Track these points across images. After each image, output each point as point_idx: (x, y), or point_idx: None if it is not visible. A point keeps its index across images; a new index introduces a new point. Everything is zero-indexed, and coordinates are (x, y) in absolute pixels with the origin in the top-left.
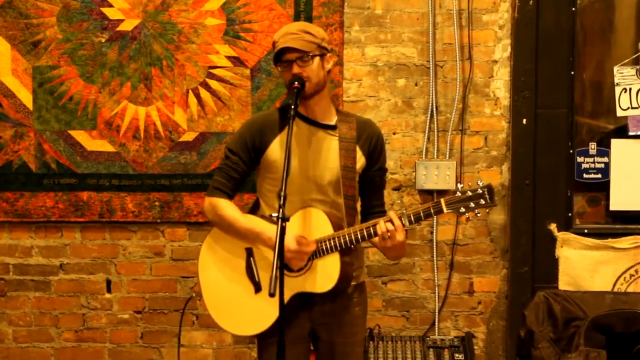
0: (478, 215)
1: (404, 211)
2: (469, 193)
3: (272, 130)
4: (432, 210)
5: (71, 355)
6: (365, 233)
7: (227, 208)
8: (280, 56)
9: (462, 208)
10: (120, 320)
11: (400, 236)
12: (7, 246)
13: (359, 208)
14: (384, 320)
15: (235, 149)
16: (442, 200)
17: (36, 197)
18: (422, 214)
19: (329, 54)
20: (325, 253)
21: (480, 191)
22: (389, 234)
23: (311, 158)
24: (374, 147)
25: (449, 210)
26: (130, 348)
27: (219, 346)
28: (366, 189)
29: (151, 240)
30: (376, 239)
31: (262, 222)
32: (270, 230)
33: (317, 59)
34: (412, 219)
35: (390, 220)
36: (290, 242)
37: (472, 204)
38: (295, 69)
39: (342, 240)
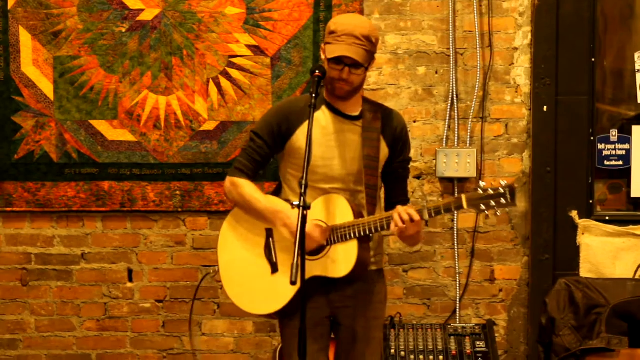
0: (498, 214)
1: (425, 204)
2: (491, 192)
3: (299, 117)
4: (452, 206)
5: (93, 344)
6: (385, 223)
7: (247, 187)
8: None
9: (482, 205)
10: (141, 310)
11: (417, 228)
12: (29, 236)
13: (382, 196)
14: (405, 308)
15: (260, 133)
16: (464, 197)
17: (58, 187)
18: (442, 208)
19: (374, 59)
20: (345, 239)
21: (502, 191)
22: (405, 226)
23: (335, 148)
24: (398, 138)
25: (469, 207)
26: (152, 337)
27: (241, 335)
28: (390, 179)
29: (172, 229)
30: (394, 228)
31: (282, 202)
32: (288, 210)
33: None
34: (433, 213)
35: (409, 215)
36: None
37: (492, 202)
38: (345, 75)
39: (361, 228)
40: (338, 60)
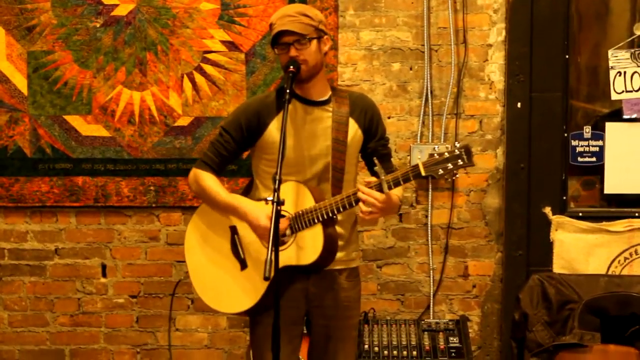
0: (456, 176)
1: (383, 177)
2: (446, 154)
3: (269, 112)
4: (410, 175)
5: (67, 339)
6: (346, 202)
7: (209, 180)
8: (278, 39)
9: (440, 170)
10: (115, 305)
11: (381, 205)
12: (2, 231)
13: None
14: (378, 303)
15: (228, 129)
16: (420, 164)
17: (31, 182)
18: (400, 179)
19: (326, 37)
20: (308, 225)
21: (457, 152)
22: (369, 209)
23: (307, 137)
24: (370, 120)
25: (427, 174)
26: (125, 332)
27: (214, 330)
28: (374, 161)
29: (146, 224)
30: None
31: (242, 198)
32: (247, 205)
33: (314, 42)
34: (392, 184)
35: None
36: (262, 219)
37: (450, 165)
38: (292, 52)
39: (323, 211)
40: (280, 44)
